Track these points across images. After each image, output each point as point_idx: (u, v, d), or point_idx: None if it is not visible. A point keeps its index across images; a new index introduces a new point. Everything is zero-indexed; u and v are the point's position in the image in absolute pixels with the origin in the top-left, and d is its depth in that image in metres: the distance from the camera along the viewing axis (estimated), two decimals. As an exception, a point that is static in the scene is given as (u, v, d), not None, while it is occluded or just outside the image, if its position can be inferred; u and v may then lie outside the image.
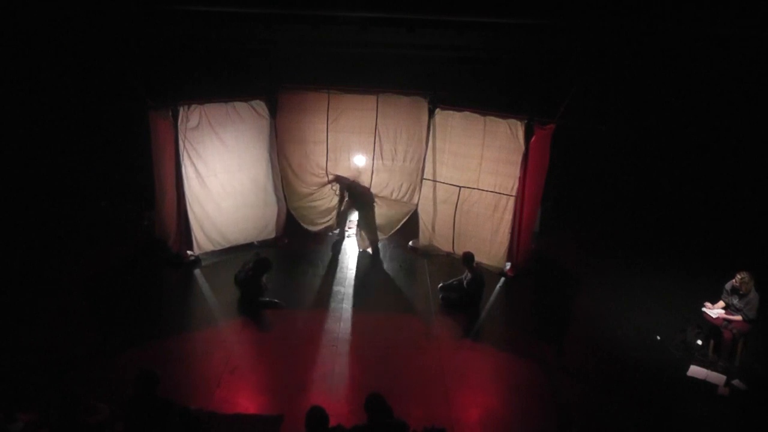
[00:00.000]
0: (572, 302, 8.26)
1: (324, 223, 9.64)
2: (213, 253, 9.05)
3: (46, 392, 5.87)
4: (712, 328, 7.02)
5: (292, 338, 7.25)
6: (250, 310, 7.81)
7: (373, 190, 9.32)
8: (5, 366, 6.34)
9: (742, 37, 8.28)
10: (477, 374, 6.78)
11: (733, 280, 6.84)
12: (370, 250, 9.33)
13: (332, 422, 4.54)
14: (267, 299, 7.89)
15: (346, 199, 9.26)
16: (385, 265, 9.19)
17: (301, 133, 9.22)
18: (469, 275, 7.96)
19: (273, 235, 9.55)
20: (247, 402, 6.06)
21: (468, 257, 7.98)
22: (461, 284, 8.05)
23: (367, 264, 9.08)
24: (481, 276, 8.00)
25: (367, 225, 9.24)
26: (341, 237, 9.53)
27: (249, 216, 9.25)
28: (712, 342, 7.03)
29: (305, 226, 9.62)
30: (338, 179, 9.18)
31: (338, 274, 8.60)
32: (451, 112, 8.83)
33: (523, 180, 8.39)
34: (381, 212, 9.49)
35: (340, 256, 9.26)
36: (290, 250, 9.49)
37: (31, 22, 8.88)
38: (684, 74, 9.76)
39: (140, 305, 7.75)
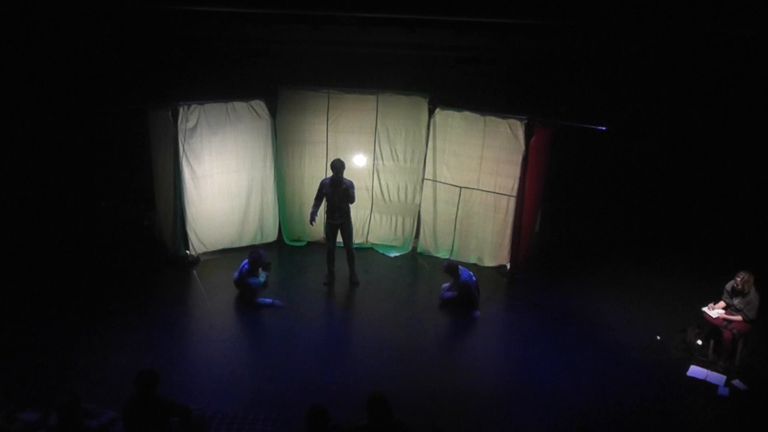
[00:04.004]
0: (572, 302, 8.26)
1: (306, 237, 9.63)
2: (212, 253, 9.07)
3: (46, 393, 5.87)
4: (712, 328, 7.02)
5: (291, 338, 7.24)
6: (249, 309, 7.81)
7: (376, 192, 9.33)
8: (6, 366, 6.34)
9: (742, 37, 8.28)
10: (477, 375, 6.77)
11: (734, 281, 6.83)
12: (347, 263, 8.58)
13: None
14: (268, 300, 7.88)
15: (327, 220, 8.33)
16: (385, 266, 9.20)
17: (301, 134, 9.22)
18: (459, 284, 7.91)
19: (272, 238, 9.54)
20: (246, 402, 6.05)
21: (451, 268, 7.90)
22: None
23: (367, 265, 9.07)
24: (467, 285, 7.87)
25: (348, 241, 8.45)
26: (332, 279, 8.58)
27: (247, 217, 9.25)
28: (712, 342, 7.03)
29: (287, 239, 9.62)
30: (320, 194, 8.21)
31: (338, 275, 8.59)
32: (451, 112, 8.83)
33: (523, 180, 8.38)
34: (389, 220, 9.49)
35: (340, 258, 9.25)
36: (290, 250, 9.49)
37: (30, 22, 8.88)
38: (684, 74, 9.76)
39: (140, 305, 7.74)
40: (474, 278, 7.97)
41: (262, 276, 8.25)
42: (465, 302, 7.93)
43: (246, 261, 7.93)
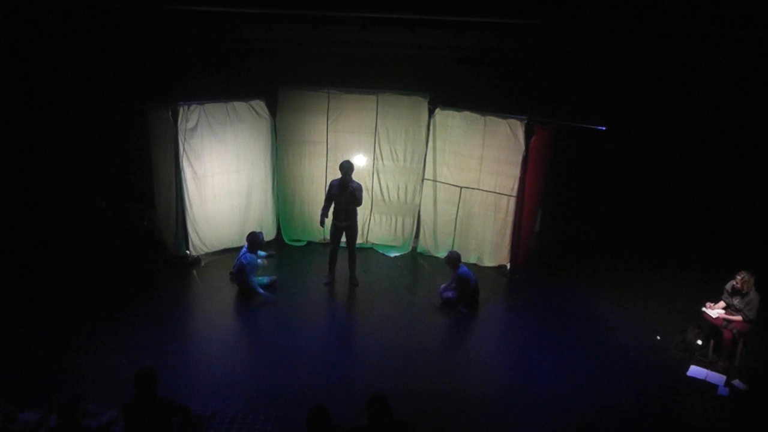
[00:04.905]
0: (572, 302, 8.27)
1: (306, 237, 9.66)
2: (213, 253, 9.07)
3: (46, 393, 5.87)
4: (712, 328, 7.02)
5: (291, 338, 7.24)
6: (249, 309, 7.82)
7: (376, 192, 9.33)
8: (6, 366, 6.34)
9: (742, 37, 8.29)
10: (477, 374, 6.77)
11: (734, 281, 6.83)
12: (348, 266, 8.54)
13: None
14: (262, 289, 7.93)
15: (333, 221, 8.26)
16: (386, 266, 9.20)
17: (301, 133, 9.23)
18: (456, 276, 7.92)
19: (271, 237, 9.55)
20: (246, 402, 6.05)
21: (453, 259, 7.89)
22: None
23: (367, 265, 9.07)
24: (464, 278, 7.89)
25: (352, 243, 8.42)
26: (332, 279, 8.52)
27: (248, 217, 9.25)
28: (712, 342, 7.03)
29: (287, 239, 9.63)
30: (329, 195, 8.19)
31: (338, 276, 8.59)
32: (451, 112, 8.83)
33: (523, 180, 8.38)
34: (389, 220, 9.50)
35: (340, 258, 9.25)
36: (290, 250, 9.50)
37: (31, 22, 8.88)
38: (684, 74, 9.76)
39: (140, 305, 7.74)
40: (473, 278, 7.97)
41: (259, 261, 8.29)
42: (463, 298, 7.93)
43: (245, 248, 8.01)
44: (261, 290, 7.94)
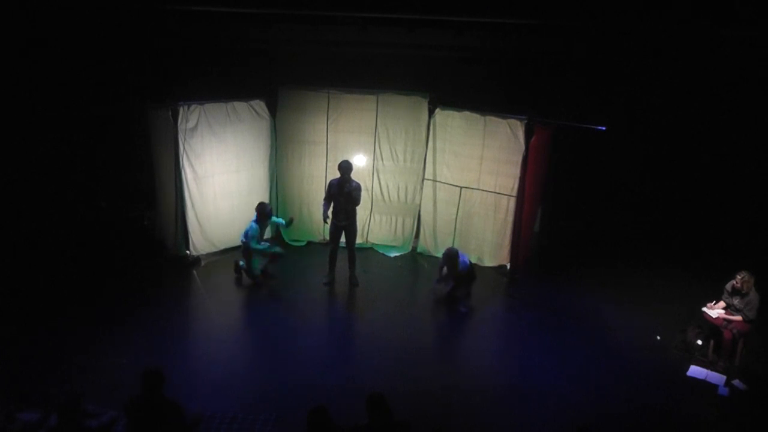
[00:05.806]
0: (572, 302, 8.26)
1: (306, 237, 9.68)
2: (213, 253, 9.07)
3: (46, 393, 5.87)
4: (712, 328, 7.02)
5: (291, 338, 7.24)
6: (249, 308, 7.81)
7: (376, 192, 9.33)
8: (6, 366, 6.34)
9: (742, 37, 8.29)
10: (477, 374, 6.77)
11: (734, 281, 6.83)
12: (348, 266, 8.53)
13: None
14: (254, 270, 8.18)
15: (331, 220, 8.26)
16: (386, 266, 9.19)
17: (301, 133, 9.23)
18: (453, 272, 7.92)
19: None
20: (246, 402, 6.05)
21: (451, 257, 7.86)
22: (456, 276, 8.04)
23: (367, 265, 9.07)
24: (464, 274, 7.93)
25: (351, 242, 8.43)
26: (332, 279, 8.51)
27: (248, 217, 9.22)
28: (712, 342, 7.03)
29: (287, 239, 9.63)
30: (329, 195, 8.20)
31: (338, 275, 8.58)
32: (451, 112, 8.83)
33: (523, 180, 8.38)
34: (389, 220, 9.50)
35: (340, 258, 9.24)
36: (289, 250, 9.49)
37: (31, 22, 8.88)
38: (685, 74, 9.76)
39: (140, 305, 7.74)
40: (469, 262, 8.02)
41: (268, 245, 8.46)
42: (462, 287, 7.93)
43: (253, 220, 8.20)
44: (257, 267, 8.23)
